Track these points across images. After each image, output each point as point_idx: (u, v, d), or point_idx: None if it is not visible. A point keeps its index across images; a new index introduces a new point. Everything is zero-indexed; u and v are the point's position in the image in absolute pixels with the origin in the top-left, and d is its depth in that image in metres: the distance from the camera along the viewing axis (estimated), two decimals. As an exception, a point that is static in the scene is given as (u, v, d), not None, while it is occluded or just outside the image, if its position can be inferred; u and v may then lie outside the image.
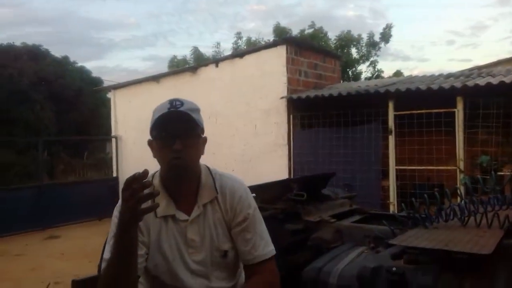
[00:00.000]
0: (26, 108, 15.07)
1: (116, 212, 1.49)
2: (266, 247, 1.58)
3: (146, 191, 1.23)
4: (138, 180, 1.22)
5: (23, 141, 14.50)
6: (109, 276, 1.36)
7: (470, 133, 6.24)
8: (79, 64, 19.43)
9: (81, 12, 52.01)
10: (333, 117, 7.11)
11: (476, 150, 6.41)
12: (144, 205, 1.25)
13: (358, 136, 6.99)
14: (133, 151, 10.09)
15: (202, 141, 1.57)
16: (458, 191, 2.31)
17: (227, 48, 23.64)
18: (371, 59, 16.28)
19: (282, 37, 12.75)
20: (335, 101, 7.10)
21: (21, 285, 5.18)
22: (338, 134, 7.12)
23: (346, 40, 15.64)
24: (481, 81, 6.16)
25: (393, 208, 6.54)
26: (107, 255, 1.44)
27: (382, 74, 16.46)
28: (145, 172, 1.24)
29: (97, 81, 19.01)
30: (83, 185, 11.05)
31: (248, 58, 8.40)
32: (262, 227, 1.62)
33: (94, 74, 19.98)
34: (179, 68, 12.21)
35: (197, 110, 1.53)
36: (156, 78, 9.82)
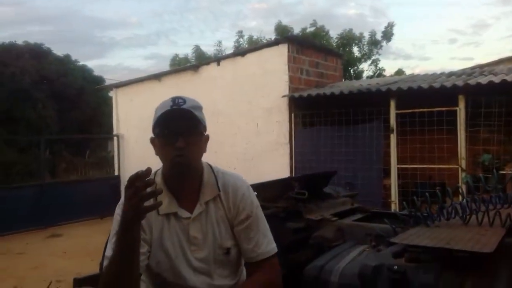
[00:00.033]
0: (28, 107, 15.10)
1: (118, 210, 1.49)
2: (269, 245, 1.60)
3: (149, 189, 1.23)
4: (141, 178, 1.22)
5: (25, 140, 14.54)
6: (111, 273, 1.36)
7: (472, 131, 6.23)
8: (81, 62, 19.48)
9: (83, 11, 52.04)
10: (334, 115, 7.10)
11: (478, 148, 6.41)
12: (146, 203, 1.25)
13: (360, 134, 6.99)
14: (135, 150, 10.10)
15: (204, 139, 1.57)
16: (460, 189, 2.31)
17: (228, 46, 23.62)
18: (373, 57, 16.29)
19: (283, 35, 12.74)
20: (337, 99, 7.09)
21: (23, 283, 5.20)
22: (340, 133, 7.12)
23: (348, 39, 15.63)
24: (483, 80, 6.15)
25: (394, 207, 6.54)
26: (109, 252, 1.44)
27: (384, 73, 16.48)
28: (148, 170, 1.24)
29: (99, 80, 19.03)
30: (85, 184, 11.07)
31: (250, 57, 8.39)
32: (264, 225, 1.63)
33: (96, 72, 20.04)
34: (181, 66, 12.21)
35: (199, 108, 1.54)
36: (158, 77, 9.83)
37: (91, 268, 3.39)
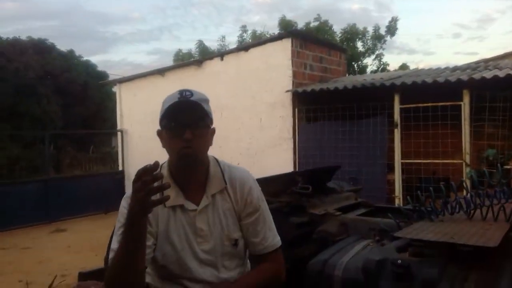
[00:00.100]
0: (33, 102, 15.13)
1: (124, 202, 1.50)
2: (274, 238, 1.64)
3: (156, 183, 1.23)
4: (149, 172, 1.22)
5: (29, 135, 14.59)
6: (117, 266, 1.37)
7: (476, 126, 6.21)
8: (85, 58, 19.51)
9: (86, 6, 52.11)
10: (338, 110, 7.09)
11: (483, 143, 6.38)
12: (153, 197, 1.25)
13: (364, 129, 6.97)
14: (139, 145, 10.13)
15: (211, 132, 1.58)
16: (464, 184, 2.30)
17: (232, 41, 23.66)
18: (377, 52, 16.23)
19: (287, 30, 12.69)
20: (341, 94, 7.07)
21: (29, 277, 5.23)
22: (344, 128, 7.11)
23: (352, 33, 15.56)
24: (488, 74, 6.11)
25: (398, 202, 6.53)
26: (114, 245, 1.45)
27: (388, 68, 16.41)
28: (156, 164, 1.25)
29: (103, 75, 19.03)
30: (89, 179, 11.12)
31: (253, 52, 8.38)
32: (270, 218, 1.66)
33: (100, 68, 20.04)
34: (184, 61, 12.21)
35: (206, 100, 1.55)
36: (161, 72, 9.83)
37: (95, 262, 3.41)
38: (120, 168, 11.03)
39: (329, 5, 34.02)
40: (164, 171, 1.56)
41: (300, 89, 7.62)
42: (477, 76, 6.14)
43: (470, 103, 6.14)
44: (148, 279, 1.58)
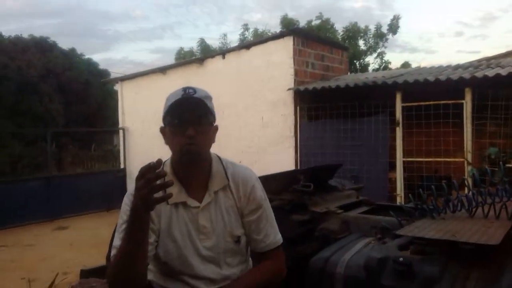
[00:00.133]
0: (35, 100, 15.16)
1: (126, 199, 1.51)
2: (276, 235, 1.66)
3: (159, 181, 1.24)
4: (152, 170, 1.23)
5: (31, 133, 14.61)
6: (120, 263, 1.37)
7: (478, 124, 6.19)
8: (86, 56, 19.50)
9: (88, 4, 52.11)
10: (340, 108, 7.08)
11: (484, 142, 6.37)
12: (156, 195, 1.26)
13: (365, 128, 6.96)
14: (140, 143, 10.14)
15: (213, 129, 1.59)
16: (466, 182, 2.30)
17: (233, 39, 23.55)
18: (379, 50, 16.22)
19: (289, 28, 12.68)
20: (342, 92, 7.07)
21: (32, 275, 5.24)
22: (345, 126, 7.10)
23: (353, 32, 15.54)
24: (490, 72, 6.10)
25: (400, 200, 6.53)
26: (117, 242, 1.45)
27: (390, 66, 16.38)
28: (159, 162, 1.25)
29: (104, 73, 19.04)
30: (91, 177, 11.13)
31: (255, 50, 8.36)
32: (272, 216, 1.68)
33: (101, 66, 20.04)
34: (186, 59, 12.20)
35: (209, 98, 1.56)
36: (162, 70, 9.83)
37: (97, 260, 3.42)
38: (122, 166, 11.04)
39: (331, 3, 33.99)
40: (167, 168, 1.57)
41: (301, 87, 7.61)
42: (479, 74, 6.13)
43: (472, 102, 6.13)
44: (150, 276, 1.59)
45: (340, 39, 14.77)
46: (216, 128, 1.61)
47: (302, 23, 15.64)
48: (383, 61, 16.38)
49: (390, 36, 16.04)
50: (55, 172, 12.20)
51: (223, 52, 9.30)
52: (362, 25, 15.80)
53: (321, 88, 7.31)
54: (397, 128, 6.68)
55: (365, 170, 6.74)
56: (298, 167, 7.48)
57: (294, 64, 7.83)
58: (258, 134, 8.26)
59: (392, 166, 6.86)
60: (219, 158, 1.66)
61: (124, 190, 8.60)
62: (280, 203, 2.51)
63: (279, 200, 2.54)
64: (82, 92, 17.18)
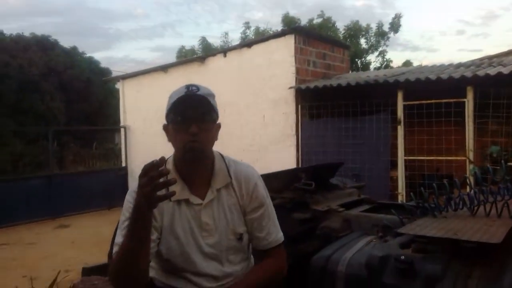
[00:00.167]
0: (36, 99, 15.18)
1: (129, 197, 1.51)
2: (278, 233, 1.66)
3: (162, 179, 1.24)
4: (155, 168, 1.23)
5: (33, 131, 14.63)
6: (122, 260, 1.38)
7: (480, 123, 6.19)
8: (88, 54, 19.52)
9: (89, 2, 52.12)
10: (341, 107, 7.07)
11: (486, 140, 6.36)
12: (159, 192, 1.26)
13: (367, 126, 6.96)
14: (142, 141, 10.15)
15: (216, 127, 1.59)
16: (468, 180, 2.30)
17: (235, 38, 23.60)
18: (380, 49, 16.19)
19: (290, 27, 12.67)
20: (344, 91, 7.06)
21: (33, 273, 5.25)
22: (347, 125, 7.09)
23: (355, 30, 15.52)
24: (492, 71, 6.08)
25: (401, 199, 6.52)
26: (119, 239, 1.45)
27: (391, 64, 16.36)
28: (162, 160, 1.25)
29: (106, 72, 19.05)
30: (93, 175, 11.15)
31: (256, 48, 8.36)
32: (274, 214, 1.69)
33: (103, 64, 20.08)
34: (187, 58, 12.19)
35: (212, 95, 1.56)
36: (164, 68, 9.82)
37: (99, 258, 3.42)
38: (123, 164, 11.05)
39: (332, 2, 33.92)
40: (169, 166, 1.57)
41: (303, 86, 7.60)
42: (481, 73, 6.12)
43: (474, 100, 6.11)
44: (152, 273, 1.59)
45: (342, 38, 14.75)
46: (219, 126, 1.61)
47: (304, 22, 15.64)
48: (385, 59, 16.37)
49: (391, 35, 16.03)
50: (57, 171, 12.22)
51: (225, 50, 9.30)
52: (363, 24, 15.80)
53: (323, 86, 7.31)
54: (399, 127, 6.68)
55: (367, 169, 6.74)
56: (300, 166, 7.48)
57: (296, 63, 7.82)
58: (260, 133, 8.26)
59: (394, 165, 6.85)
60: (222, 155, 1.66)
61: (125, 188, 8.60)
62: (281, 201, 2.51)
63: (281, 199, 2.54)
64: (83, 90, 17.20)
